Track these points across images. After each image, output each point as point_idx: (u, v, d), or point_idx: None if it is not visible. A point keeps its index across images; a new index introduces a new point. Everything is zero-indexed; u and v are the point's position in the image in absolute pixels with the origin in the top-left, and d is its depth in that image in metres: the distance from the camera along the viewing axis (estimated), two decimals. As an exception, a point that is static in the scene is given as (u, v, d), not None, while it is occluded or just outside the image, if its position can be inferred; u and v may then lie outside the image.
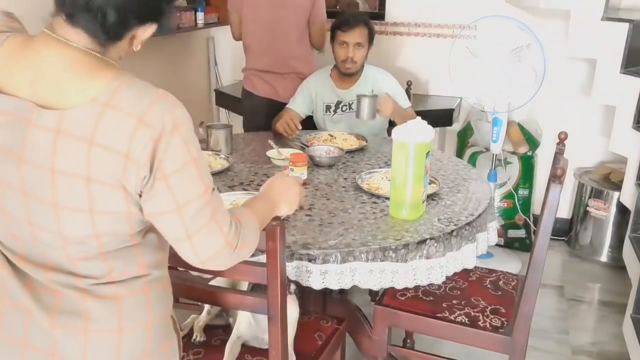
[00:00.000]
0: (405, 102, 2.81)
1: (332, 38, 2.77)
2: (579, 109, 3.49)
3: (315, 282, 1.60)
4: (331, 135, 2.62)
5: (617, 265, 3.20)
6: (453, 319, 1.89)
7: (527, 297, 1.77)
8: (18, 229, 1.01)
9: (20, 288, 1.02)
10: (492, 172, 3.17)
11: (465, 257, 1.79)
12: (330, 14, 3.15)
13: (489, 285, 2.09)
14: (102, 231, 0.99)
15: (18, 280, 1.03)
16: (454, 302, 1.97)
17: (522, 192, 3.47)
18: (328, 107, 2.82)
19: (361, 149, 2.54)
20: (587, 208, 3.40)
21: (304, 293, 1.72)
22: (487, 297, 2.01)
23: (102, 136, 0.94)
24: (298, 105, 2.81)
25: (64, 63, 0.96)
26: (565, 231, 3.62)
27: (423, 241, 1.67)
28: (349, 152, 2.46)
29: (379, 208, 1.89)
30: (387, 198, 1.89)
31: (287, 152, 2.32)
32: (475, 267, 1.88)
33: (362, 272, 1.62)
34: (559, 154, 2.07)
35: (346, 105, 2.81)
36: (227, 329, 1.77)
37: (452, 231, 1.73)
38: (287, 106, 2.84)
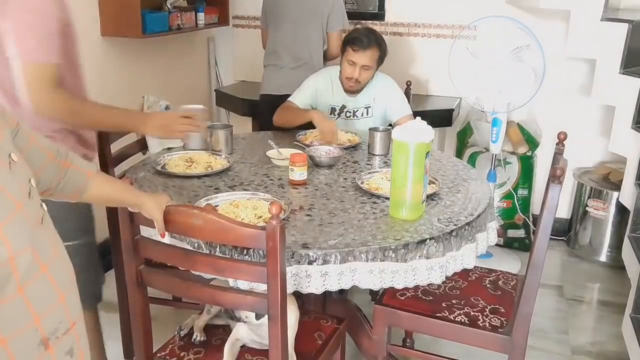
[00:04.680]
0: (404, 110, 2.74)
1: (342, 51, 2.68)
2: (578, 109, 3.50)
3: (316, 285, 1.60)
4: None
5: (617, 265, 3.21)
6: (453, 318, 1.90)
7: (527, 296, 1.78)
8: None
9: None
10: (492, 172, 3.18)
11: (464, 257, 1.79)
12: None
13: (488, 285, 2.09)
14: None
15: None
16: (454, 301, 1.98)
17: (522, 192, 3.48)
18: (333, 110, 2.79)
19: (359, 146, 2.55)
20: (587, 208, 3.40)
21: (303, 293, 1.72)
22: (487, 297, 2.01)
23: None
24: (301, 102, 2.78)
25: None
26: (565, 231, 3.62)
27: (423, 241, 1.68)
28: (346, 148, 2.47)
29: (379, 208, 1.89)
30: (387, 198, 1.89)
31: (287, 152, 2.32)
32: (475, 266, 1.89)
33: (362, 272, 1.63)
34: (558, 154, 2.07)
35: (350, 112, 2.78)
36: (227, 328, 1.78)
37: (452, 231, 1.74)
38: (289, 99, 2.78)
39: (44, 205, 1.03)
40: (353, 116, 2.78)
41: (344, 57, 2.68)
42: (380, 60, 2.68)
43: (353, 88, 2.70)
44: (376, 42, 2.62)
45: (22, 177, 0.97)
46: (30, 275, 0.92)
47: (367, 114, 2.78)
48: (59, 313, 0.98)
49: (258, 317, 1.59)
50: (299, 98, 2.77)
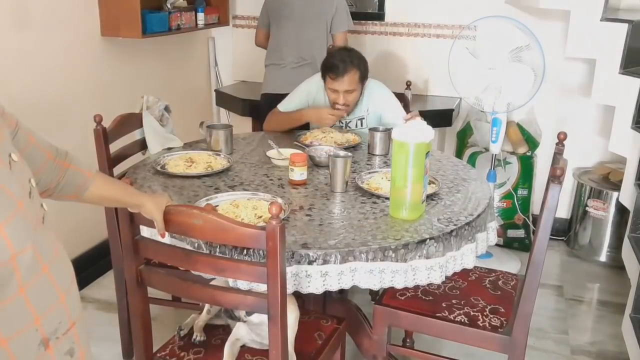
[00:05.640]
0: (399, 117, 2.65)
1: (323, 78, 2.63)
2: (578, 109, 3.50)
3: (316, 285, 1.61)
4: (324, 132, 2.61)
5: (616, 265, 3.21)
6: (452, 318, 1.90)
7: (526, 296, 1.78)
8: None
9: None
10: (492, 172, 3.18)
11: (464, 257, 1.79)
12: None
13: (488, 285, 2.09)
14: None
15: None
16: (454, 301, 1.98)
17: (522, 192, 3.48)
18: None
19: (359, 146, 2.55)
20: (587, 208, 3.40)
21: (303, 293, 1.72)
22: (487, 297, 2.01)
23: None
24: (287, 109, 2.74)
25: None
26: (565, 231, 3.62)
27: (423, 241, 1.68)
28: (346, 148, 2.47)
29: (379, 208, 1.89)
30: (387, 198, 1.89)
31: (287, 152, 2.32)
32: (475, 266, 1.89)
33: (362, 272, 1.63)
34: (558, 154, 2.08)
35: (342, 123, 2.74)
36: (227, 328, 1.78)
37: (452, 231, 1.74)
38: (278, 107, 2.77)
39: (44, 205, 1.03)
40: (346, 127, 2.76)
41: (326, 86, 2.62)
42: (363, 78, 2.61)
43: (346, 111, 2.65)
44: (353, 64, 2.54)
45: (22, 176, 0.97)
46: (32, 275, 0.92)
47: (362, 125, 2.75)
48: (59, 313, 0.98)
49: (249, 313, 1.60)
50: (287, 105, 2.76)
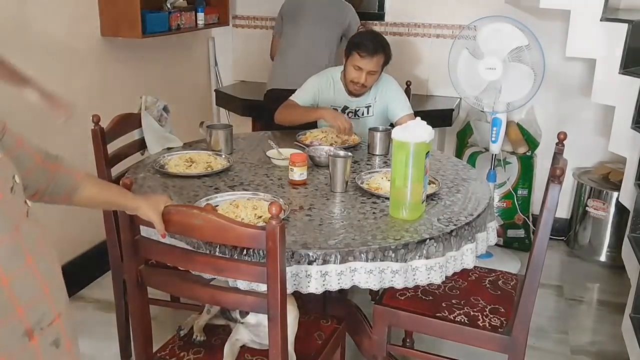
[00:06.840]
0: (405, 109, 2.73)
1: (347, 54, 2.66)
2: (578, 109, 3.50)
3: (316, 285, 1.61)
4: (324, 132, 2.61)
5: (616, 265, 3.21)
6: (452, 318, 1.90)
7: (526, 296, 1.78)
8: None
9: None
10: (492, 172, 3.18)
11: (464, 257, 1.79)
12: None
13: (488, 285, 2.09)
14: None
15: None
16: (454, 301, 1.98)
17: (522, 192, 3.48)
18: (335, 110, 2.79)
19: (359, 146, 2.55)
20: (586, 208, 3.40)
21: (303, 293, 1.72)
22: (487, 297, 2.01)
23: None
24: (303, 100, 2.76)
25: None
26: (565, 231, 3.62)
27: (423, 241, 1.68)
28: (346, 148, 2.47)
29: (379, 208, 1.89)
30: (387, 198, 1.89)
31: (287, 152, 2.32)
32: (475, 266, 1.89)
33: (362, 272, 1.63)
34: (558, 154, 2.08)
35: (352, 112, 2.78)
36: (227, 328, 1.78)
37: (452, 231, 1.74)
38: (291, 97, 2.77)
39: (29, 202, 1.04)
40: (355, 115, 2.78)
41: (349, 61, 2.65)
42: (386, 64, 2.67)
43: (359, 92, 2.70)
44: (382, 48, 2.61)
45: (5, 172, 0.98)
46: (15, 266, 0.93)
47: (368, 112, 2.78)
48: (43, 305, 0.99)
49: (242, 314, 1.59)
50: (302, 97, 2.77)
